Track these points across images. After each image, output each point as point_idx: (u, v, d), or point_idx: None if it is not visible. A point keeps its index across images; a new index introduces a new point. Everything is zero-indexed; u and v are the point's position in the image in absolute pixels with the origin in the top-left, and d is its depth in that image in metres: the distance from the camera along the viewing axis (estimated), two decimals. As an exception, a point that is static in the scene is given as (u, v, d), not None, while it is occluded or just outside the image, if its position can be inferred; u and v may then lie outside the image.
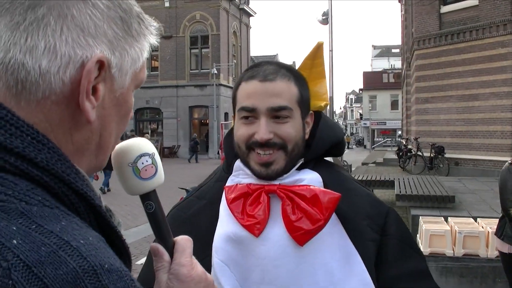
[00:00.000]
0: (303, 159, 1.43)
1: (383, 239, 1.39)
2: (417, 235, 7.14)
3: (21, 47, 0.68)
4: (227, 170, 1.50)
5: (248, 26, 44.74)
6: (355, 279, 1.32)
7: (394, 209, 1.50)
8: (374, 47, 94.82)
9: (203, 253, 1.32)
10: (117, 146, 0.89)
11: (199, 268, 0.91)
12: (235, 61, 41.04)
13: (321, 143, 1.47)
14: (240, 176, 1.43)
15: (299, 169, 1.42)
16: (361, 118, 76.65)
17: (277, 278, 1.31)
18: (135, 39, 0.78)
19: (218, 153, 31.87)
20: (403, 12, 33.61)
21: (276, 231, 1.33)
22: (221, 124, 25.73)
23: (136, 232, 10.61)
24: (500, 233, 4.51)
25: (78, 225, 0.65)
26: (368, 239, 1.37)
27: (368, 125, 64.53)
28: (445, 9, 19.06)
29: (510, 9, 16.53)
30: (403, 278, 1.36)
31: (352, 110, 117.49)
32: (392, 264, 1.37)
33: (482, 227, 6.43)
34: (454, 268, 6.16)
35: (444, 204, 9.44)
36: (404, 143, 24.85)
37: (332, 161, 1.58)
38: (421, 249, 6.39)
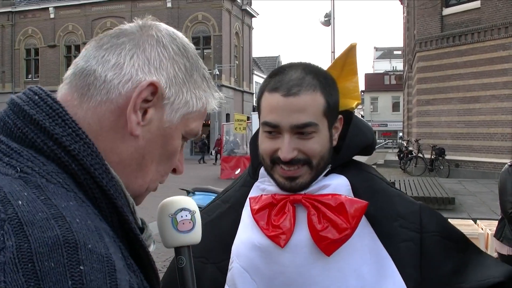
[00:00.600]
0: (330, 165, 1.39)
1: (424, 237, 1.34)
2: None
3: (98, 60, 0.82)
4: (253, 175, 1.47)
5: (250, 27, 44.76)
6: (388, 282, 1.29)
7: (426, 205, 1.46)
8: (376, 49, 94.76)
9: (222, 256, 1.34)
10: (164, 200, 0.99)
11: None
12: (237, 62, 41.07)
13: (351, 148, 1.42)
14: (266, 183, 1.40)
15: (326, 174, 1.38)
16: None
17: (302, 285, 1.30)
18: (193, 87, 0.88)
19: (212, 153, 31.81)
20: (405, 14, 33.63)
21: (302, 240, 1.31)
22: (222, 125, 25.73)
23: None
24: (499, 235, 4.52)
25: (87, 212, 0.70)
26: (400, 240, 1.33)
27: (370, 126, 64.46)
28: (447, 11, 19.08)
29: (512, 12, 16.57)
30: (450, 276, 1.33)
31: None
32: (441, 263, 1.33)
33: (482, 229, 6.44)
34: (453, 269, 6.18)
35: (444, 205, 9.49)
36: (405, 145, 24.85)
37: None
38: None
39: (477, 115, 17.60)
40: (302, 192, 1.33)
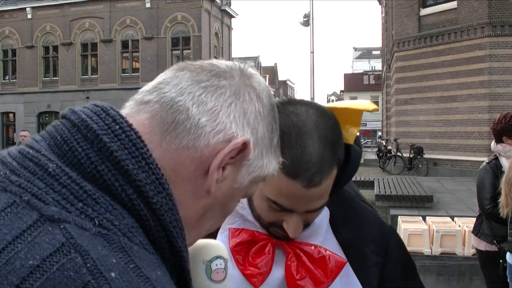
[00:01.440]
0: None
1: (386, 262, 1.34)
2: (396, 235, 7.26)
3: (194, 97, 0.73)
4: None
5: (229, 28, 44.74)
6: None
7: (395, 230, 1.47)
8: (355, 49, 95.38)
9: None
10: (198, 242, 0.90)
11: None
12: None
13: (345, 183, 1.35)
14: (246, 210, 1.31)
15: None
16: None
17: None
18: (271, 151, 0.81)
19: None
20: (383, 15, 33.94)
21: (277, 282, 1.28)
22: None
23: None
24: (477, 231, 4.60)
25: (168, 280, 0.64)
26: (372, 265, 1.32)
27: (349, 126, 64.80)
28: (424, 11, 19.31)
29: (487, 12, 16.81)
30: None
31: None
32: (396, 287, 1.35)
33: (459, 226, 6.56)
34: (431, 266, 6.27)
35: (422, 203, 9.61)
36: (384, 144, 25.07)
37: None
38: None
39: (455, 114, 17.83)
40: None
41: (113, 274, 0.56)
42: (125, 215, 0.63)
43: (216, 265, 0.93)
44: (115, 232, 0.61)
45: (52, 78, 39.47)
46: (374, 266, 1.33)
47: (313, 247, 1.27)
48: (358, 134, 1.37)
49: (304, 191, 1.13)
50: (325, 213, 1.32)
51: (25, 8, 40.01)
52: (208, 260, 0.92)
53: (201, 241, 0.92)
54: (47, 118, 40.63)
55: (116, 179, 0.64)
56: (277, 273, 1.27)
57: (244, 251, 1.28)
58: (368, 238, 1.34)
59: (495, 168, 4.41)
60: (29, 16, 39.64)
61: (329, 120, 1.22)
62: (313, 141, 1.15)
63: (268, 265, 1.26)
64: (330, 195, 1.24)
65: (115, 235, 0.60)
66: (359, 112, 1.33)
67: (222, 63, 0.81)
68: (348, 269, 1.30)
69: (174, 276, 0.70)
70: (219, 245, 0.96)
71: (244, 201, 1.30)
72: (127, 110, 0.76)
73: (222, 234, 1.30)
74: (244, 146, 0.74)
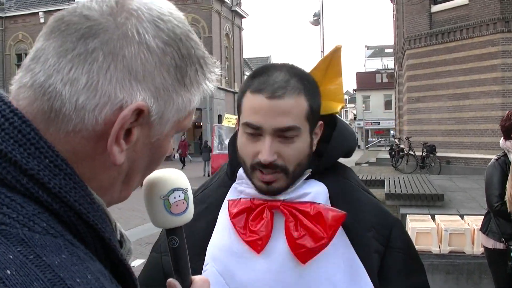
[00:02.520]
0: (310, 170, 1.37)
1: (387, 251, 1.36)
2: (405, 233, 7.17)
3: (63, 76, 0.65)
4: (231, 176, 1.44)
5: (240, 28, 44.78)
6: None
7: (400, 220, 1.47)
8: (368, 47, 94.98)
9: (195, 257, 1.28)
10: (150, 176, 0.87)
11: None
12: (227, 63, 41.06)
13: (334, 154, 1.41)
14: (244, 185, 1.38)
15: (307, 178, 1.37)
16: (355, 118, 76.74)
17: None
18: (186, 89, 0.73)
19: (174, 157, 30.07)
20: (395, 12, 33.73)
21: (279, 247, 1.30)
22: (213, 126, 25.70)
23: (129, 235, 10.40)
24: (485, 228, 4.52)
25: (80, 258, 0.61)
26: (373, 251, 1.34)
27: (362, 125, 64.67)
28: (435, 8, 19.12)
29: (499, 8, 16.60)
30: None
31: (346, 111, 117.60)
32: (395, 278, 1.35)
33: (468, 225, 6.46)
34: (440, 265, 6.18)
35: (433, 202, 9.47)
36: (397, 142, 24.91)
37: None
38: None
39: (467, 112, 17.64)
40: (281, 199, 1.33)
41: (8, 272, 0.54)
42: (25, 204, 0.61)
43: (175, 197, 0.89)
44: (13, 225, 0.58)
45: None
46: (375, 252, 1.33)
47: (308, 205, 1.30)
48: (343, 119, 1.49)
49: (268, 102, 1.24)
50: (322, 190, 1.35)
51: (37, 12, 40.45)
52: (165, 195, 0.88)
53: (154, 175, 0.88)
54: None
55: (8, 171, 0.61)
56: (279, 240, 1.30)
57: (243, 220, 1.32)
58: (370, 224, 1.36)
59: (504, 165, 4.33)
60: (42, 20, 39.96)
61: (305, 71, 1.37)
62: (280, 71, 1.29)
63: (267, 229, 1.29)
64: (326, 171, 1.37)
65: (13, 228, 0.58)
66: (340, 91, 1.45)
67: (94, 7, 0.68)
68: (351, 253, 1.31)
69: (99, 249, 0.68)
70: (175, 176, 0.91)
71: (241, 173, 1.37)
72: (13, 93, 0.70)
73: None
74: (139, 109, 0.68)
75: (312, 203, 1.31)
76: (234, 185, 1.42)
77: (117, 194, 0.75)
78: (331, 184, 1.38)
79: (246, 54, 56.51)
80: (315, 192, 1.34)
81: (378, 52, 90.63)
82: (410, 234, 6.22)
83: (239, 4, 43.69)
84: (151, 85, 0.69)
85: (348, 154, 1.47)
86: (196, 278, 0.94)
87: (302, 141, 1.29)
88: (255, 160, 1.28)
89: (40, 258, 0.57)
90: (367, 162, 27.39)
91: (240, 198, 1.37)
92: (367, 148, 49.27)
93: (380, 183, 12.58)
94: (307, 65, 1.35)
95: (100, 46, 0.66)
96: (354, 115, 79.57)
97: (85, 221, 0.65)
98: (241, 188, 1.38)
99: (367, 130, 65.25)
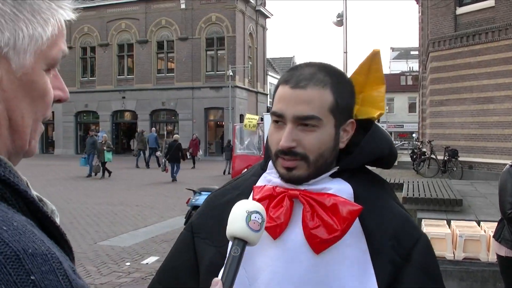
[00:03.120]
0: (337, 167, 1.39)
1: (406, 265, 1.31)
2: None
3: None
4: (264, 166, 1.50)
5: (264, 28, 44.74)
6: None
7: (427, 236, 1.42)
8: (393, 49, 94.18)
9: (224, 241, 1.31)
10: (245, 200, 1.20)
11: None
12: (250, 63, 41.06)
13: (362, 155, 1.41)
14: (272, 175, 1.43)
15: (333, 176, 1.38)
16: (378, 120, 76.18)
17: (287, 281, 1.30)
18: (32, 15, 0.73)
19: (187, 156, 28.61)
20: (420, 14, 33.37)
21: (294, 236, 1.33)
22: (234, 126, 25.69)
23: (145, 232, 10.67)
24: (498, 235, 4.43)
25: (3, 211, 0.64)
26: (387, 261, 1.31)
27: (385, 127, 64.13)
28: (460, 10, 18.87)
29: (526, 11, 16.31)
30: None
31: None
32: None
33: (485, 231, 6.34)
34: (454, 271, 6.07)
35: (451, 207, 9.33)
36: (419, 146, 24.64)
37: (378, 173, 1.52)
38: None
39: (491, 116, 17.36)
40: (302, 188, 1.36)
41: None
42: None
43: (255, 217, 1.13)
44: None
45: (90, 78, 40.27)
46: (390, 263, 1.31)
47: (326, 196, 1.32)
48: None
49: (290, 92, 1.32)
50: (345, 188, 1.36)
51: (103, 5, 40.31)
52: (250, 211, 1.13)
53: (249, 200, 1.20)
54: (84, 117, 41.50)
55: None
56: (296, 229, 1.34)
57: (265, 206, 1.33)
58: (392, 233, 1.34)
59: None
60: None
61: (338, 69, 1.42)
62: (311, 67, 1.37)
63: (285, 217, 1.34)
64: (358, 174, 1.40)
65: None
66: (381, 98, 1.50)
67: None
68: (366, 259, 1.31)
69: (19, 202, 0.70)
70: (261, 206, 1.17)
71: (271, 163, 1.43)
72: None
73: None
74: None
75: (330, 194, 1.33)
76: (264, 174, 1.47)
77: (10, 143, 0.75)
78: (360, 186, 1.38)
79: (269, 54, 56.52)
80: (337, 188, 1.35)
81: (403, 54, 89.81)
82: (423, 239, 6.16)
83: (264, 4, 43.65)
84: None
85: (384, 162, 1.46)
86: None
87: (323, 133, 1.33)
88: (277, 147, 1.34)
89: None
90: (388, 165, 27.13)
91: (265, 185, 1.42)
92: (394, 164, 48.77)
93: (399, 186, 12.45)
94: (340, 66, 1.35)
95: None
96: (378, 117, 78.83)
97: None
98: (270, 178, 1.43)
99: (390, 133, 64.66)
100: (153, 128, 32.71)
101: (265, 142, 1.59)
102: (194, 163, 28.30)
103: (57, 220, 0.82)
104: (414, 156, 22.94)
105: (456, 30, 18.84)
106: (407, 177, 16.06)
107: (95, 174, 21.99)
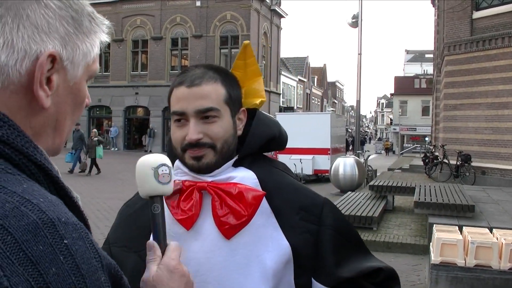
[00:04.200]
0: (237, 155, 1.52)
1: (321, 229, 1.48)
2: (430, 243, 7.00)
3: None
4: None
5: (279, 27, 44.69)
6: (286, 268, 1.44)
7: (330, 200, 1.59)
8: (407, 51, 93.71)
9: (143, 245, 1.39)
10: (145, 156, 1.16)
11: (185, 267, 1.06)
12: (264, 62, 41.03)
13: (254, 139, 1.55)
14: (179, 175, 1.52)
15: (236, 166, 1.52)
16: (391, 123, 75.79)
17: (210, 270, 1.42)
18: (86, 36, 0.88)
19: None
20: (435, 17, 33.15)
21: (207, 225, 1.44)
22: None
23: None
24: None
25: (38, 188, 0.75)
26: (300, 232, 1.46)
27: (398, 130, 63.75)
28: (477, 14, 18.69)
29: (544, 16, 16.12)
30: (331, 268, 1.45)
31: (382, 115, 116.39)
32: (326, 255, 1.46)
33: (497, 238, 6.25)
34: (465, 278, 6.01)
35: (463, 213, 9.26)
36: (432, 149, 24.46)
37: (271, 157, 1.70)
38: (432, 257, 6.26)
39: (506, 122, 17.18)
40: (210, 179, 1.47)
41: None
42: None
43: (162, 170, 1.13)
44: None
45: (104, 73, 40.38)
46: (305, 233, 1.46)
47: (231, 185, 1.45)
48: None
49: (188, 90, 1.44)
50: (249, 175, 1.50)
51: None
52: (155, 167, 1.13)
53: (148, 156, 1.16)
54: (97, 112, 41.69)
55: None
56: (208, 219, 1.45)
57: (176, 200, 1.48)
58: (298, 206, 1.50)
59: None
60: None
61: (223, 67, 1.57)
62: (198, 68, 1.51)
63: (196, 208, 1.45)
64: (256, 161, 1.55)
65: None
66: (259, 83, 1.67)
67: None
68: (279, 234, 1.45)
69: (50, 186, 0.80)
70: (164, 157, 1.16)
71: (177, 164, 1.53)
72: None
73: None
74: (53, 56, 0.81)
75: (235, 183, 1.45)
76: None
77: (51, 141, 0.88)
78: (261, 171, 1.52)
79: (283, 54, 56.41)
80: (241, 176, 1.48)
81: (418, 57, 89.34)
82: (435, 245, 6.06)
83: (279, 4, 43.59)
84: (57, 35, 0.82)
85: (275, 144, 1.61)
86: (171, 242, 1.10)
87: (224, 122, 1.46)
88: (184, 142, 1.45)
89: (5, 188, 0.71)
90: (400, 168, 27.03)
91: (174, 180, 1.48)
92: (402, 154, 48.55)
93: (410, 190, 12.38)
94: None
95: (7, 12, 0.78)
96: (391, 119, 78.54)
97: (34, 162, 0.78)
98: (177, 177, 1.52)
99: (402, 136, 64.26)
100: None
101: (166, 144, 1.69)
102: None
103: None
104: (427, 160, 22.79)
105: (472, 34, 18.68)
106: (419, 181, 15.96)
107: (83, 171, 21.18)
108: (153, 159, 1.15)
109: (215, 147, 1.45)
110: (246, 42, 1.69)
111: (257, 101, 1.63)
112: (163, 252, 1.07)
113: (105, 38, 0.95)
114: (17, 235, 0.66)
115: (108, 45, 40.26)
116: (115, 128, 39.38)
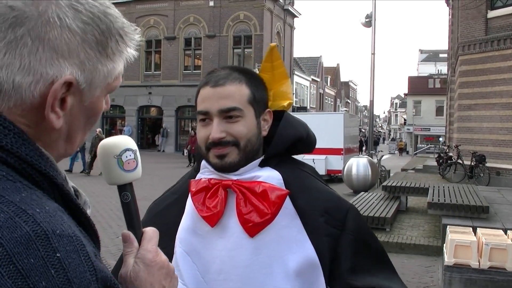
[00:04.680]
0: (263, 156, 1.54)
1: (343, 233, 1.48)
2: (444, 245, 6.94)
3: (0, 61, 0.76)
4: (197, 169, 1.63)
5: (292, 27, 44.64)
6: (309, 271, 1.43)
7: (355, 207, 1.59)
8: (421, 51, 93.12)
9: (168, 243, 1.48)
10: (105, 140, 1.04)
11: (163, 256, 1.01)
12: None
13: (281, 140, 1.56)
14: (206, 173, 1.54)
15: (262, 166, 1.53)
16: (404, 123, 75.38)
17: (233, 268, 1.43)
18: (110, 58, 0.86)
19: (184, 153, 29.09)
20: (450, 16, 32.91)
21: (232, 223, 1.46)
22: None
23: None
24: None
25: (38, 197, 0.74)
26: (323, 234, 1.46)
27: (411, 130, 63.40)
28: (492, 14, 18.53)
29: (560, 16, 15.93)
30: (345, 273, 1.45)
31: (396, 115, 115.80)
32: (342, 259, 1.46)
33: (511, 240, 6.19)
34: (478, 280, 5.95)
35: (477, 214, 9.17)
36: (446, 150, 24.28)
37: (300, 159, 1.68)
38: (446, 259, 6.21)
39: (521, 122, 17.01)
40: (235, 178, 1.48)
41: None
42: None
43: (126, 157, 1.03)
44: None
45: (117, 73, 40.50)
46: (327, 236, 1.46)
47: (256, 183, 1.46)
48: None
49: (212, 90, 1.47)
50: (274, 175, 1.51)
51: None
52: (118, 154, 1.02)
53: (108, 140, 1.04)
54: (111, 112, 41.90)
55: None
56: (232, 217, 1.46)
57: (201, 197, 1.50)
58: (323, 209, 1.50)
59: None
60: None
61: (249, 69, 1.60)
62: (224, 69, 1.54)
63: (221, 206, 1.46)
64: (283, 162, 1.55)
65: None
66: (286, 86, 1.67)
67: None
68: (303, 235, 1.46)
69: (55, 192, 0.79)
70: (126, 139, 1.05)
71: (203, 163, 1.56)
72: None
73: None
74: (69, 82, 0.79)
75: (259, 182, 1.47)
76: (198, 174, 1.59)
77: (62, 150, 0.88)
78: (287, 172, 1.53)
79: (296, 54, 56.36)
80: (266, 176, 1.49)
81: (432, 56, 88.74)
82: (449, 246, 6.00)
83: (292, 3, 43.54)
84: (77, 60, 0.80)
85: (303, 146, 1.61)
86: (146, 229, 1.04)
87: (247, 121, 1.48)
88: (208, 141, 1.47)
89: (3, 197, 0.70)
90: (413, 169, 26.87)
91: (200, 179, 1.55)
92: (415, 154, 48.28)
93: (424, 191, 12.29)
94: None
95: (28, 33, 0.76)
96: (404, 119, 78.13)
97: (38, 170, 0.77)
98: (203, 176, 1.55)
99: (416, 136, 63.89)
100: None
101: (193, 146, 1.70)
102: (190, 160, 25.95)
103: (89, 211, 0.93)
104: (440, 161, 22.63)
105: (487, 34, 18.52)
106: (433, 182, 15.85)
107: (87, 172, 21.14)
108: (115, 145, 1.03)
109: (239, 144, 1.46)
110: (272, 44, 1.71)
111: (285, 103, 1.64)
112: (139, 241, 1.02)
113: (132, 53, 0.92)
114: (8, 247, 0.65)
115: (122, 45, 40.50)
116: (129, 127, 39.53)
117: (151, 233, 1.03)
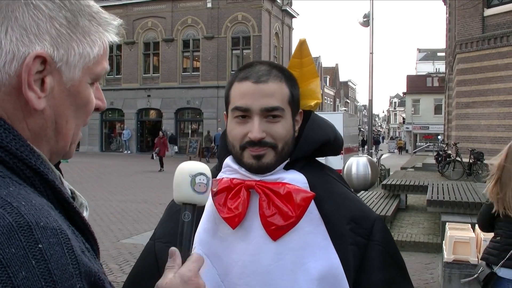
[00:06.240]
0: (288, 158, 1.46)
1: (369, 244, 1.42)
2: (443, 242, 7.00)
3: None
4: (218, 168, 1.56)
5: (290, 28, 44.65)
6: (332, 281, 1.37)
7: (380, 217, 1.53)
8: (419, 50, 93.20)
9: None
10: (186, 162, 1.14)
11: (201, 280, 1.01)
12: (276, 62, 40.97)
13: (308, 142, 1.49)
14: (227, 173, 1.48)
15: (287, 168, 1.46)
16: (403, 122, 75.41)
17: (255, 273, 1.37)
18: (83, 36, 0.86)
19: (153, 157, 27.88)
20: (447, 15, 32.97)
21: (254, 226, 1.40)
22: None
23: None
24: None
25: (27, 192, 0.75)
26: (349, 243, 1.40)
27: (411, 129, 63.47)
28: (488, 12, 18.61)
29: (557, 13, 16.00)
30: (378, 284, 1.40)
31: (395, 114, 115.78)
32: (371, 270, 1.40)
33: (510, 236, 6.24)
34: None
35: (476, 211, 9.18)
36: (445, 148, 24.31)
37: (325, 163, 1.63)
38: (445, 255, 6.27)
39: (519, 119, 17.08)
40: (258, 179, 1.42)
41: None
42: None
43: (200, 179, 1.10)
44: None
45: (115, 76, 40.52)
46: (352, 245, 1.40)
47: (280, 185, 1.40)
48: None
49: (254, 86, 1.39)
50: (299, 178, 1.44)
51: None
52: (193, 174, 1.10)
53: (189, 162, 1.13)
54: (110, 115, 41.88)
55: None
56: (254, 219, 1.40)
57: (223, 198, 1.43)
58: (349, 217, 1.43)
59: None
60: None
61: (283, 66, 1.50)
62: (262, 65, 1.46)
63: (243, 207, 1.40)
64: (309, 165, 1.48)
65: None
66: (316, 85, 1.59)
67: None
68: (328, 243, 1.39)
69: (47, 190, 0.80)
70: (205, 166, 1.13)
71: (227, 162, 1.49)
72: None
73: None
74: (42, 57, 0.80)
75: (284, 183, 1.40)
76: (219, 174, 1.52)
77: (54, 143, 0.87)
78: (313, 176, 1.46)
79: (294, 54, 56.09)
80: (291, 178, 1.42)
81: (430, 55, 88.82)
82: (448, 243, 6.03)
83: (290, 4, 43.55)
84: (47, 36, 0.81)
85: (330, 148, 1.54)
86: (194, 253, 1.07)
87: (286, 122, 1.42)
88: (245, 140, 1.40)
89: None
90: (413, 167, 26.86)
91: (222, 178, 1.47)
92: (415, 152, 48.27)
93: (423, 189, 12.33)
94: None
95: None
96: (403, 118, 78.16)
97: (29, 166, 0.78)
98: (225, 175, 1.49)
99: (415, 134, 63.94)
100: (219, 128, 33.02)
101: (219, 141, 1.68)
102: (161, 165, 24.64)
103: (86, 214, 0.95)
104: (439, 158, 22.64)
105: (484, 32, 18.60)
106: (432, 179, 15.88)
107: None
108: (193, 167, 1.12)
109: (277, 147, 1.40)
110: (302, 39, 1.59)
111: (312, 103, 1.56)
112: (184, 261, 1.04)
113: (112, 38, 0.92)
114: None
115: (120, 48, 40.49)
116: (128, 131, 39.49)
117: (197, 256, 1.05)
